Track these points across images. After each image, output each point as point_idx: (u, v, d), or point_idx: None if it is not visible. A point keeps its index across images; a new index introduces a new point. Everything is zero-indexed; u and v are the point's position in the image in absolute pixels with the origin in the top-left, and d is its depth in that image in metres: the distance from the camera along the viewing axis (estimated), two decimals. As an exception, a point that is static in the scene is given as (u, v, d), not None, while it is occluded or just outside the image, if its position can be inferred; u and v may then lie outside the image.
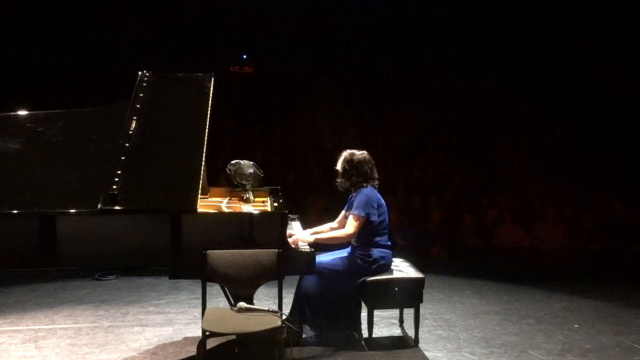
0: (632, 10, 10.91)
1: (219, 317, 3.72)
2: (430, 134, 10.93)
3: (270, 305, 4.24)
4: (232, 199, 4.87)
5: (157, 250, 3.90)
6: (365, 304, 4.48)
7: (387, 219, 4.54)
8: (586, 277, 6.83)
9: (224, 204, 4.61)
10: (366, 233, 4.41)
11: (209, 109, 4.39)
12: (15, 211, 3.75)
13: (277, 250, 3.88)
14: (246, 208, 4.52)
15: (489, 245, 8.24)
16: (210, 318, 3.70)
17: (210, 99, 4.48)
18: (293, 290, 4.54)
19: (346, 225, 4.42)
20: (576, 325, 5.08)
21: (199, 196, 3.94)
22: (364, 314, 4.54)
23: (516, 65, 12.13)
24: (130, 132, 4.16)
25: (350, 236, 4.39)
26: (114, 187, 3.78)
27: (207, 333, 3.63)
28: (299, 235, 4.37)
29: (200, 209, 4.00)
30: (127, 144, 4.08)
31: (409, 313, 4.69)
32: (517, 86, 11.49)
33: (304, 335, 4.47)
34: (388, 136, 10.58)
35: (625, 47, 11.45)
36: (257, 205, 4.76)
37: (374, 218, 4.39)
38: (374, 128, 10.90)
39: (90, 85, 10.85)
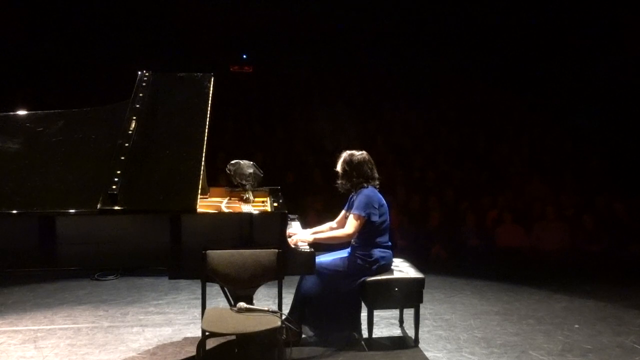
0: (632, 8, 10.90)
1: (219, 318, 3.72)
2: (430, 134, 10.92)
3: (270, 305, 4.23)
4: (232, 199, 4.87)
5: (157, 251, 3.89)
6: (366, 304, 4.47)
7: (388, 219, 4.53)
8: (586, 277, 6.81)
9: (223, 204, 4.60)
10: (367, 233, 4.40)
11: (209, 109, 4.38)
12: (14, 211, 3.74)
13: (277, 250, 3.87)
14: (246, 208, 4.51)
15: (489, 245, 8.23)
16: (210, 318, 3.69)
17: (210, 99, 4.48)
18: (293, 290, 4.54)
19: (346, 224, 4.41)
20: (576, 326, 5.07)
21: (199, 196, 3.94)
22: (364, 314, 4.53)
23: (516, 65, 12.12)
24: (130, 132, 4.16)
25: (349, 236, 4.38)
26: (114, 187, 3.78)
27: (207, 333, 3.62)
28: (299, 235, 4.36)
29: (200, 209, 4.00)
30: (126, 144, 4.08)
31: (409, 313, 4.69)
32: (518, 86, 11.48)
33: (303, 336, 4.46)
34: (388, 136, 10.57)
35: (625, 46, 11.44)
36: (257, 205, 4.75)
37: (375, 218, 4.39)
38: (374, 128, 10.89)
39: (90, 85, 10.84)
